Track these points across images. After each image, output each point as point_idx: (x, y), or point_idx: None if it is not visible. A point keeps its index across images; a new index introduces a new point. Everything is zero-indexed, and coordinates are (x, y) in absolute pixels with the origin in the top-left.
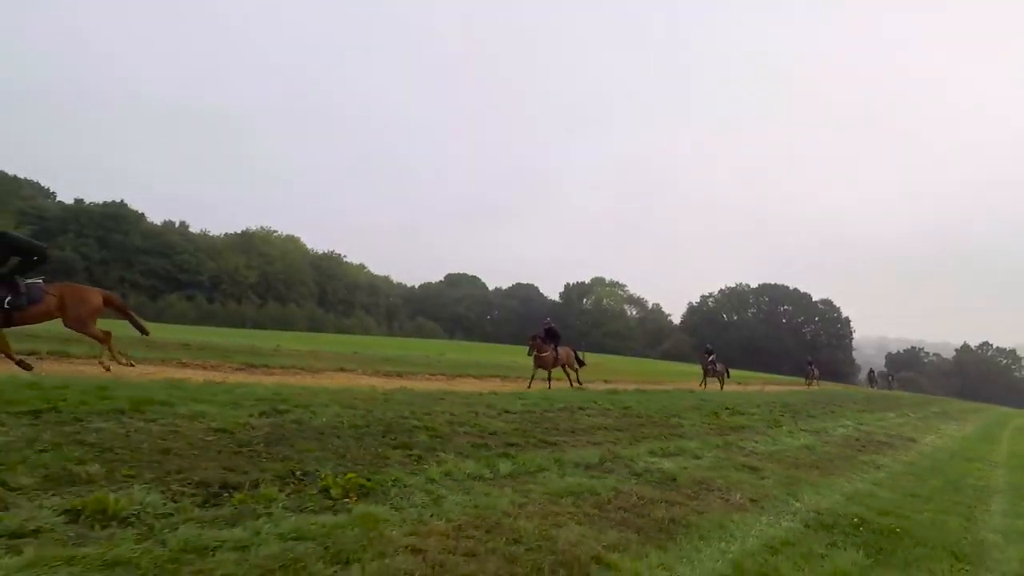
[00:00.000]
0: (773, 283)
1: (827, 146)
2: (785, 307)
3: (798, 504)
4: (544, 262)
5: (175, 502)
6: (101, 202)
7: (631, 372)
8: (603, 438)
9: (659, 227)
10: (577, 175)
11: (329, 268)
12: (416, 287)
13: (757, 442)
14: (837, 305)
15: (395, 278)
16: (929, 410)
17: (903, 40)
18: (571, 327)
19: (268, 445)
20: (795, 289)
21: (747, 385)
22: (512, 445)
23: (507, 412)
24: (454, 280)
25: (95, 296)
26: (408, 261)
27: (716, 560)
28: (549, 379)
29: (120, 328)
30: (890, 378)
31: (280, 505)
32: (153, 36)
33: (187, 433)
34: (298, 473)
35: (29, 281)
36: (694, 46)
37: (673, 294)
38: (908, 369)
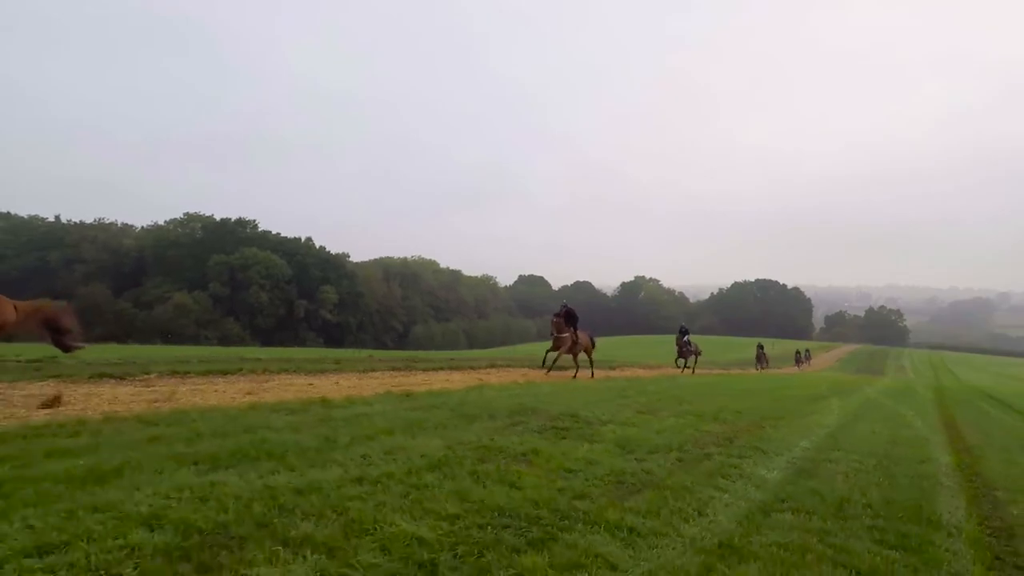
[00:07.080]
0: (765, 278)
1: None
2: (771, 294)
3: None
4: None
5: None
6: (405, 257)
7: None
8: None
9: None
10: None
11: (488, 284)
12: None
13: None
14: (803, 291)
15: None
16: (902, 355)
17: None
18: (634, 314)
19: None
20: (776, 280)
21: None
22: None
23: None
24: (526, 280)
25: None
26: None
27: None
28: (553, 363)
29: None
30: (806, 355)
31: None
32: None
33: None
34: None
35: None
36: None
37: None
38: (839, 326)
